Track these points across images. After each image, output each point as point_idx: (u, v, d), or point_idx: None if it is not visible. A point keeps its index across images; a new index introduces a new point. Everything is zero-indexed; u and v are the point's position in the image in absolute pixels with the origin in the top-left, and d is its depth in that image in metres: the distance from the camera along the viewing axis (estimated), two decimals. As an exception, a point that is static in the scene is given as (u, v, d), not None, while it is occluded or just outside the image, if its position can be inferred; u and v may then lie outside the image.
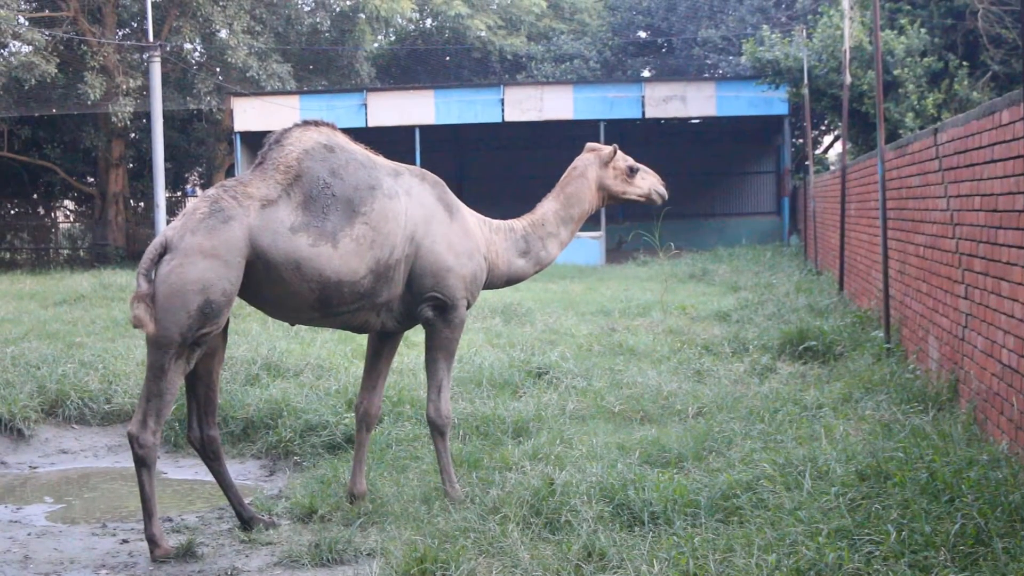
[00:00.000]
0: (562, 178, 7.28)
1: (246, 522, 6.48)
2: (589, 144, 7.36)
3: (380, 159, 6.68)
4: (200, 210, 6.06)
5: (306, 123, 6.57)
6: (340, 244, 6.18)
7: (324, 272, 6.14)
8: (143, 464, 6.01)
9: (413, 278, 6.55)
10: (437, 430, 6.72)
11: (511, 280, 7.18)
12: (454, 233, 6.69)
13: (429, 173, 6.83)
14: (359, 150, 6.59)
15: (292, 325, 6.80)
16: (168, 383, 5.93)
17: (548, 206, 7.20)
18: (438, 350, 6.73)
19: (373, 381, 6.92)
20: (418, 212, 6.55)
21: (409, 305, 6.63)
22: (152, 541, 6.07)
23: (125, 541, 6.51)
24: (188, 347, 5.94)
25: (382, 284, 6.39)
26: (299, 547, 5.99)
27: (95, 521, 7.04)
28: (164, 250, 5.97)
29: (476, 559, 5.35)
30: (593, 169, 7.22)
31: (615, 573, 5.08)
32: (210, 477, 6.60)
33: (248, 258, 6.02)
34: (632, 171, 7.27)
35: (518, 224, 7.16)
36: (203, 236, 5.94)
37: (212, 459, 6.48)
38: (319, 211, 6.18)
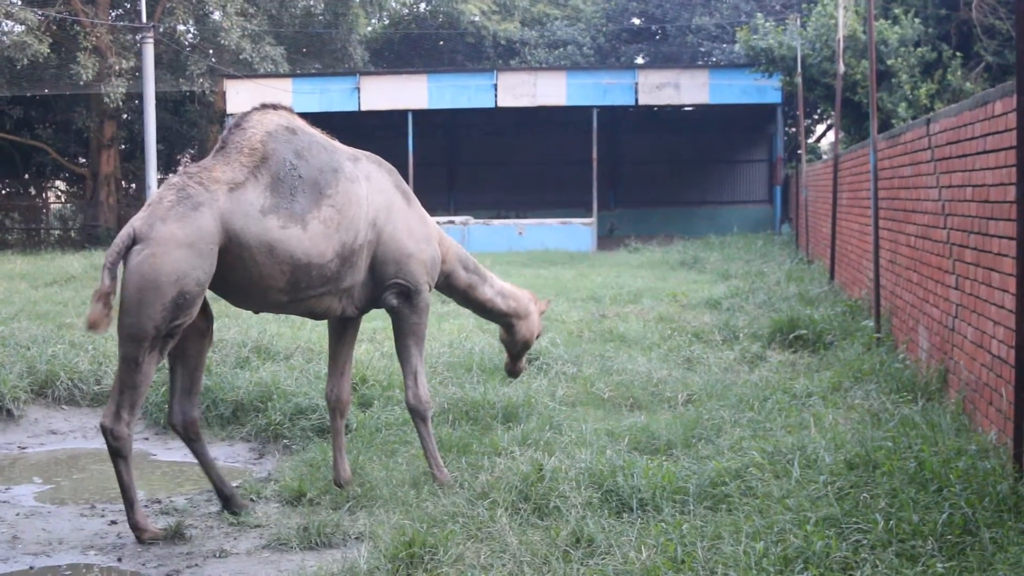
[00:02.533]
0: (515, 288, 7.79)
1: (226, 500, 6.48)
2: (531, 295, 7.88)
3: (337, 143, 6.70)
4: (167, 198, 5.93)
5: (264, 106, 6.53)
6: (309, 226, 6.15)
7: (295, 254, 6.10)
8: (119, 455, 5.97)
9: (376, 265, 6.57)
10: (419, 415, 6.73)
11: (448, 281, 7.26)
12: (412, 219, 6.75)
13: (384, 160, 6.88)
14: (318, 133, 6.59)
15: (256, 313, 6.78)
16: (142, 375, 5.86)
17: (499, 280, 7.64)
18: (408, 336, 6.75)
19: (340, 367, 6.90)
20: (378, 198, 6.57)
21: (370, 291, 6.65)
22: (136, 528, 6.06)
23: (114, 522, 6.50)
24: (161, 339, 5.85)
25: (347, 268, 6.38)
26: (288, 530, 5.99)
27: (84, 502, 7.03)
28: (133, 241, 5.83)
29: (464, 544, 5.35)
30: (532, 304, 7.73)
31: (603, 559, 5.08)
32: (200, 460, 6.60)
33: (221, 244, 5.93)
34: (540, 333, 8.03)
35: (473, 258, 7.47)
36: (175, 225, 5.81)
37: (193, 440, 6.47)
38: (287, 193, 6.14)
